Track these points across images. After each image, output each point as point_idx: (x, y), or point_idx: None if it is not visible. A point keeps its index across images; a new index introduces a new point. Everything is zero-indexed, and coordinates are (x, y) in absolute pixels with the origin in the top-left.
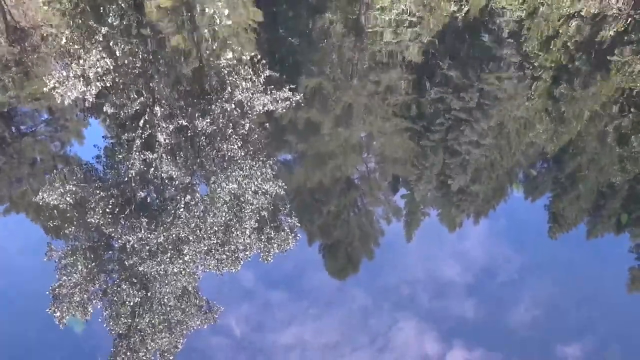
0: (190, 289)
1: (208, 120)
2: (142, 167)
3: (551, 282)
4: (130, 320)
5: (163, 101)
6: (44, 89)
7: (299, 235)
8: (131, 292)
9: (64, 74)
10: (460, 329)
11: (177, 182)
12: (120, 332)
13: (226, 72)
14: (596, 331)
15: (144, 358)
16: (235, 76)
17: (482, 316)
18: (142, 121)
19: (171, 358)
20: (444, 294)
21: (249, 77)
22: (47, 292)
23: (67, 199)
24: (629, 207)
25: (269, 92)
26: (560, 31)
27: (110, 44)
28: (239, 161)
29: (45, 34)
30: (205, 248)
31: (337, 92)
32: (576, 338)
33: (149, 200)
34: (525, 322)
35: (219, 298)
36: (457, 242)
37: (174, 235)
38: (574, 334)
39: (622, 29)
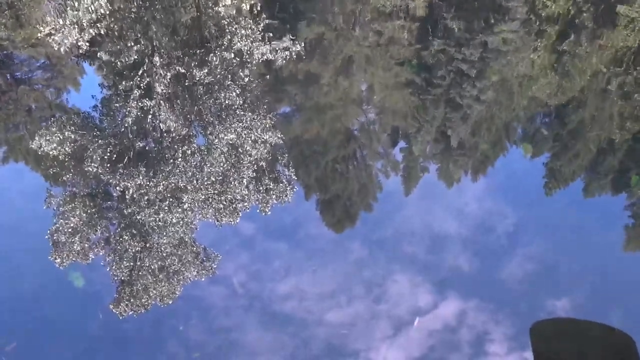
0: (187, 239)
1: (206, 69)
2: (140, 115)
3: (548, 237)
4: (132, 264)
5: (162, 50)
6: (38, 35)
7: (295, 187)
8: (132, 242)
9: (60, 21)
10: (454, 280)
11: (174, 133)
12: (123, 278)
13: (224, 17)
14: (589, 286)
15: (145, 303)
16: (234, 23)
17: (476, 268)
18: (140, 70)
19: (170, 302)
20: (440, 246)
21: (248, 25)
22: (46, 236)
23: (66, 147)
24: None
25: (267, 41)
26: None
27: None
28: (237, 111)
29: None
30: (203, 197)
31: (339, 41)
32: (568, 292)
33: (147, 148)
34: (520, 275)
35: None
36: (455, 196)
37: (172, 185)
38: (567, 287)
39: None
